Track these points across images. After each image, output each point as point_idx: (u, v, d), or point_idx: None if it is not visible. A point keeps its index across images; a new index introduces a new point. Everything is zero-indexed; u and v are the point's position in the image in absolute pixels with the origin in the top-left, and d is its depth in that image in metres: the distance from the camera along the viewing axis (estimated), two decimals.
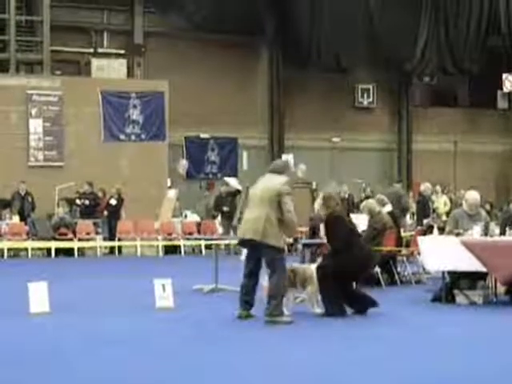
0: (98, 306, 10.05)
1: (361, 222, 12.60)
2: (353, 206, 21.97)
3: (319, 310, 9.26)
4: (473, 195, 11.00)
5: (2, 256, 19.31)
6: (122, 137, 23.65)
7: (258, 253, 8.75)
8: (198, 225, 21.87)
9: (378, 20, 26.87)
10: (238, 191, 21.35)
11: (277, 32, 26.58)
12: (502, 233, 10.87)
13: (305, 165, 24.33)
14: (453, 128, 28.75)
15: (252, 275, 8.85)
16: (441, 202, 21.62)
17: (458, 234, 10.46)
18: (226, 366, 6.54)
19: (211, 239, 16.49)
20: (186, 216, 22.58)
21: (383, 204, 13.25)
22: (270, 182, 8.75)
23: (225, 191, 21.88)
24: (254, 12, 25.54)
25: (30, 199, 21.02)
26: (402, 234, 13.91)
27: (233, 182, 21.61)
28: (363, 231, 13.10)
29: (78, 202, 21.24)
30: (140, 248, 20.50)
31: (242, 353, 7.12)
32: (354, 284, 9.88)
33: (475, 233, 10.40)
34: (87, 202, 21.17)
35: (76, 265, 17.96)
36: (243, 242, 8.97)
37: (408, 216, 18.67)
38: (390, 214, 13.20)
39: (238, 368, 6.45)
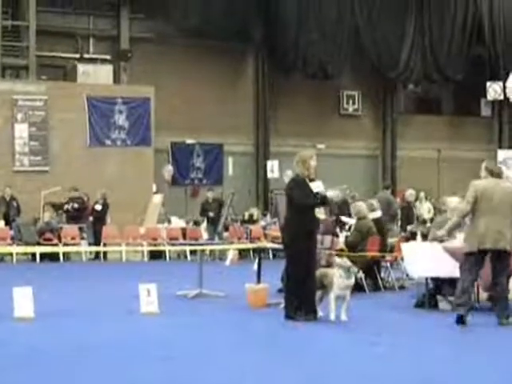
0: (82, 312, 10.05)
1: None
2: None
3: (345, 317, 9.27)
4: (454, 201, 11.10)
5: None
6: (108, 142, 23.65)
7: (499, 260, 8.92)
8: (183, 230, 21.90)
9: (363, 28, 27.07)
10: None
11: (263, 39, 26.67)
12: None
13: (291, 171, 24.31)
14: (437, 135, 28.94)
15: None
16: (424, 209, 21.74)
17: (441, 241, 10.55)
18: (214, 370, 6.58)
19: (196, 245, 16.50)
20: (169, 221, 22.60)
21: (372, 209, 13.31)
22: (506, 188, 9.11)
23: (211, 197, 21.98)
24: (240, 19, 25.62)
25: (15, 204, 20.98)
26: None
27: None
28: (347, 236, 13.24)
29: (66, 206, 21.19)
30: (125, 253, 20.49)
31: (225, 357, 7.16)
32: None
33: (458, 239, 10.49)
34: (76, 206, 21.14)
35: (61, 270, 17.91)
36: (483, 251, 8.94)
37: (395, 223, 18.77)
38: (377, 220, 13.25)
39: (226, 373, 6.50)
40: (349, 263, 9.41)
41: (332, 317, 9.22)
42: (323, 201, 9.43)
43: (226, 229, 21.47)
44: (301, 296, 9.10)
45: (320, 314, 9.29)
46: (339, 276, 9.25)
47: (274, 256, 19.47)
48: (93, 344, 7.69)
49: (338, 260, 9.60)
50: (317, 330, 8.62)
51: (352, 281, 9.37)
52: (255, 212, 23.86)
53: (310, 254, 9.20)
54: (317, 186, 9.36)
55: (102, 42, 25.82)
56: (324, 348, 7.68)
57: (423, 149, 28.64)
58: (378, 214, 13.37)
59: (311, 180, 9.37)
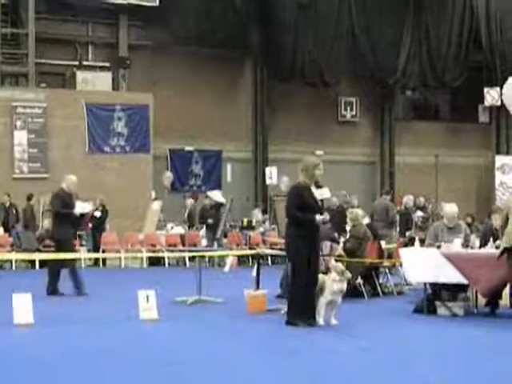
0: (81, 318, 10.08)
1: None
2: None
3: (335, 321, 9.31)
4: (450, 207, 11.14)
5: None
6: (107, 149, 23.69)
7: None
8: (182, 237, 21.93)
9: (360, 35, 27.15)
10: (222, 204, 21.42)
11: (261, 46, 26.75)
12: (482, 245, 11.02)
13: (288, 178, 24.32)
14: (434, 141, 29.00)
15: None
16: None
17: (438, 247, 10.60)
18: (214, 376, 6.61)
19: (195, 251, 16.54)
20: (172, 228, 22.64)
21: (362, 216, 13.59)
22: None
23: (209, 203, 21.99)
24: (238, 26, 25.70)
25: (14, 211, 21.03)
26: (385, 245, 14.07)
27: (216, 196, 21.63)
28: (345, 242, 13.30)
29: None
30: (124, 260, 20.51)
31: (225, 363, 7.20)
32: None
33: (456, 245, 10.54)
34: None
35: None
36: None
37: (393, 229, 18.83)
38: (369, 226, 13.45)
39: (226, 378, 6.53)
40: (342, 267, 9.43)
41: (321, 321, 9.24)
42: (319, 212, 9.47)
43: (225, 235, 21.51)
44: (302, 302, 9.13)
45: (322, 323, 9.30)
46: (333, 280, 9.28)
47: (272, 262, 19.51)
48: (92, 350, 7.72)
49: (332, 263, 9.61)
50: (317, 336, 8.65)
51: (344, 286, 9.39)
52: (254, 218, 23.89)
53: (311, 260, 9.22)
54: (323, 193, 9.37)
55: (100, 49, 25.89)
56: (324, 354, 7.71)
57: (421, 155, 28.70)
58: (366, 220, 13.65)
59: (318, 187, 9.35)
